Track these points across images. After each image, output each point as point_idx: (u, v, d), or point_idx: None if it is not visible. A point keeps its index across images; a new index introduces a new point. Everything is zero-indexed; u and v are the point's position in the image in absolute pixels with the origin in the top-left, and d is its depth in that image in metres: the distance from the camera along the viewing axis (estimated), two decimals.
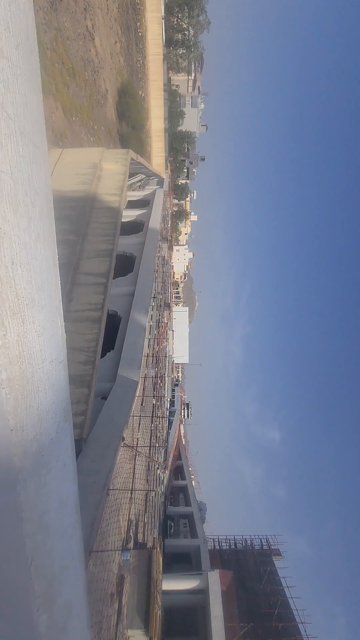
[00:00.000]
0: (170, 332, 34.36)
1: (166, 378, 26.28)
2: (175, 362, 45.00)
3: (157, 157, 36.74)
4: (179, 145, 55.54)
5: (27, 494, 0.57)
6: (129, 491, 10.92)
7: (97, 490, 4.47)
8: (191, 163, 62.83)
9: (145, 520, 14.01)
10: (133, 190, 24.13)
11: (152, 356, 16.90)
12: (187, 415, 48.16)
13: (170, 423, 30.92)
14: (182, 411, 43.58)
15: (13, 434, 0.54)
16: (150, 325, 14.46)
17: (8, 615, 0.62)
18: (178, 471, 32.44)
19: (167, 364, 28.23)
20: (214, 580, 15.70)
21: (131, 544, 10.56)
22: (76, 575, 0.77)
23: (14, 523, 0.57)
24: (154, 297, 15.76)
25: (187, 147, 59.75)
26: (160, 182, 26.33)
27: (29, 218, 0.54)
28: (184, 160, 60.31)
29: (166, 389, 26.96)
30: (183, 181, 62.57)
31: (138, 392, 11.02)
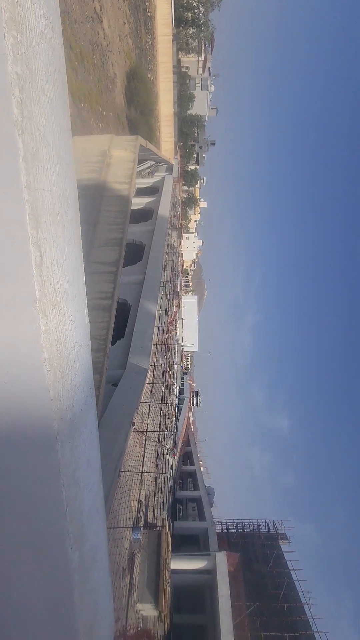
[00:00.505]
0: (179, 321, 34.57)
1: (175, 366, 26.59)
2: (184, 350, 45.36)
3: (166, 143, 36.21)
4: (188, 129, 54.44)
5: (63, 453, 0.70)
6: (139, 474, 11.30)
7: (108, 472, 4.70)
8: (201, 148, 61.64)
9: (155, 502, 14.49)
10: (142, 178, 23.98)
11: (162, 344, 17.13)
12: (196, 403, 48.79)
13: (179, 410, 31.43)
14: (191, 399, 44.14)
15: (52, 403, 0.67)
16: (159, 314, 14.63)
17: (47, 550, 0.77)
18: (187, 457, 33.09)
19: (176, 352, 28.51)
20: (222, 561, 16.23)
21: (142, 524, 10.99)
22: (99, 527, 0.91)
23: (53, 476, 0.71)
24: (163, 286, 15.87)
25: (197, 132, 58.50)
26: (170, 169, 26.04)
27: (63, 225, 0.65)
28: (194, 145, 59.17)
29: (175, 377, 27.33)
30: (192, 167, 61.56)
31: (148, 380, 11.27)
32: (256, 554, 19.05)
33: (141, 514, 12.32)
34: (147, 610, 10.11)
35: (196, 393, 50.66)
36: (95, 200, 9.87)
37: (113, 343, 10.38)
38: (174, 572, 14.56)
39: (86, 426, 0.79)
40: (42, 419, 0.67)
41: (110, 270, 8.44)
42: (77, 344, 0.72)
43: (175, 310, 26.05)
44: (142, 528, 10.96)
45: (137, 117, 24.28)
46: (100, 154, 11.06)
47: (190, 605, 17.67)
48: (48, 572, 0.78)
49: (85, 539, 0.81)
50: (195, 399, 48.23)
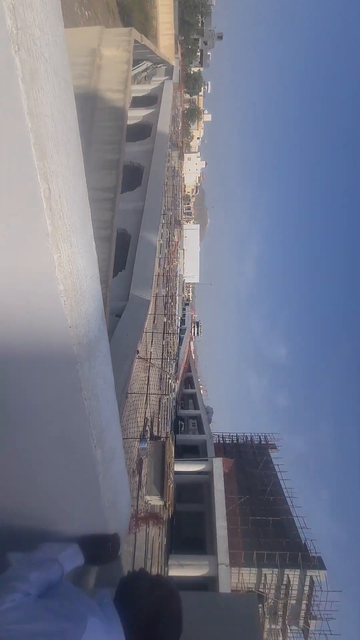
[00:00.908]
0: (180, 252, 33.77)
1: (177, 297, 26.88)
2: (185, 281, 45.32)
3: (165, 37, 30.66)
4: (191, 17, 45.48)
5: (83, 372, 0.80)
6: (145, 395, 12.34)
7: (117, 394, 5.17)
8: (206, 44, 52.30)
9: (159, 419, 16.10)
10: (138, 84, 20.94)
11: (163, 275, 17.07)
12: (197, 333, 50.63)
13: (180, 340, 32.73)
14: (192, 329, 45.65)
15: (71, 330, 0.73)
16: (160, 244, 14.23)
17: (76, 448, 0.93)
18: (188, 381, 35.53)
19: (177, 284, 28.51)
20: (218, 465, 18.72)
21: (148, 436, 12.38)
22: (116, 432, 1.07)
23: (76, 391, 0.82)
24: (164, 214, 15.13)
25: (202, 21, 49.02)
26: (170, 72, 22.57)
27: (67, 155, 0.63)
28: (197, 40, 50.10)
29: (177, 308, 27.87)
30: (196, 69, 53.09)
31: (150, 311, 11.53)
32: (248, 460, 21.82)
33: (147, 428, 13.80)
34: (154, 500, 11.96)
35: (197, 324, 52.18)
36: (87, 114, 8.82)
37: (114, 274, 10.35)
38: (177, 473, 16.94)
39: (100, 351, 0.88)
40: (62, 344, 0.75)
41: (107, 197, 7.96)
42: (87, 275, 0.76)
43: (176, 240, 25.27)
44: (148, 439, 12.42)
45: (130, 1, 20.17)
46: (89, 53, 9.51)
47: (191, 497, 20.96)
48: (79, 464, 0.95)
49: (105, 441, 0.97)
50: (196, 329, 49.88)
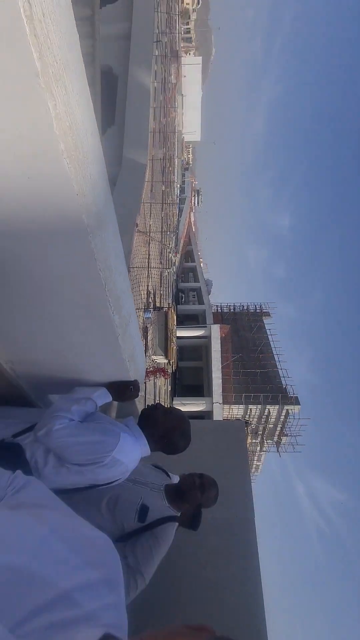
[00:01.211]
0: (179, 98, 28.06)
1: (175, 160, 23.91)
2: (185, 140, 39.33)
3: None
4: None
5: (95, 243, 0.80)
6: (146, 269, 12.56)
7: None
8: None
9: (161, 292, 16.87)
10: None
11: (159, 132, 14.73)
12: (198, 203, 47.29)
13: (180, 211, 30.92)
14: (192, 198, 42.42)
15: (78, 198, 0.70)
16: (154, 88, 11.71)
17: (96, 314, 1.02)
18: (188, 255, 35.44)
19: (176, 143, 24.89)
20: (215, 330, 20.73)
21: (151, 307, 13.26)
22: (129, 300, 1.16)
23: (91, 262, 0.84)
24: (157, 41, 11.88)
25: None
26: None
27: None
28: None
29: (176, 174, 25.16)
30: None
31: (147, 177, 10.47)
32: (243, 326, 23.98)
33: (150, 300, 14.63)
34: (160, 359, 13.78)
35: (198, 192, 48.07)
36: None
37: (103, 131, 8.92)
38: (179, 338, 18.95)
39: (110, 220, 0.86)
40: (71, 213, 0.73)
41: (83, 15, 6.10)
42: (88, 131, 0.67)
43: (174, 82, 20.65)
44: (152, 310, 13.37)
45: None
46: None
47: (191, 356, 24.09)
48: (101, 327, 1.07)
49: (122, 307, 1.06)
50: (196, 198, 46.32)
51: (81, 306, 0.98)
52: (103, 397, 1.39)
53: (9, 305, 1.01)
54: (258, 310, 25.10)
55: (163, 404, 1.55)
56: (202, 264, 36.97)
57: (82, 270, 0.85)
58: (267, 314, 24.49)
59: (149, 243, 13.09)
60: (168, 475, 1.81)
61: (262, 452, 22.30)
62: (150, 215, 13.08)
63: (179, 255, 26.46)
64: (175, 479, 1.82)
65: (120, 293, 1.01)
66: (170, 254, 19.75)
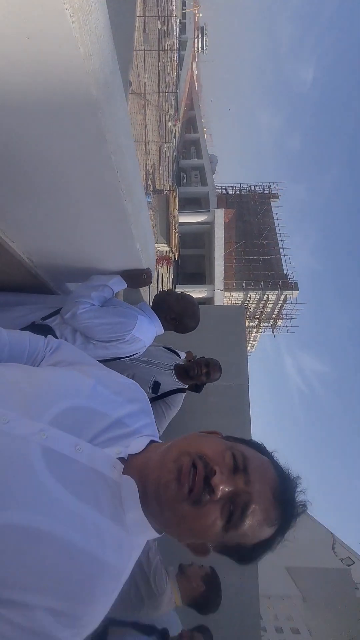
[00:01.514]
0: None
1: None
2: None
3: None
4: None
5: (105, 119, 0.74)
6: (143, 143, 11.10)
7: None
8: None
9: (161, 171, 15.29)
10: None
11: None
12: (202, 48, 37.70)
13: (180, 60, 25.10)
14: (196, 41, 33.68)
15: (85, 62, 0.61)
16: None
17: (109, 202, 1.01)
18: (190, 123, 30.63)
19: None
20: (219, 215, 19.68)
21: (151, 190, 12.29)
22: (140, 187, 1.12)
23: (101, 143, 0.79)
24: None
25: None
26: None
27: None
28: None
29: (174, 3, 19.30)
30: None
31: (138, 11, 8.18)
32: (249, 209, 22.61)
33: (149, 182, 13.41)
34: (162, 247, 13.59)
35: (202, 30, 37.65)
36: None
37: None
38: (181, 224, 18.17)
39: (118, 90, 0.77)
40: (78, 82, 0.65)
41: None
42: None
43: None
44: (151, 193, 12.41)
45: None
46: None
47: (193, 243, 23.59)
48: (114, 216, 1.07)
49: (133, 194, 1.04)
50: (201, 40, 36.67)
51: (94, 194, 0.96)
52: (118, 284, 1.49)
53: (23, 195, 0.99)
54: (266, 192, 23.23)
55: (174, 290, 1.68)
56: (206, 136, 32.21)
57: (92, 155, 0.81)
58: (276, 196, 22.78)
59: (145, 108, 11.17)
60: (177, 355, 2.10)
61: (257, 334, 24.30)
62: (144, 70, 10.73)
63: (179, 124, 22.85)
64: (182, 355, 2.12)
65: (132, 179, 0.98)
66: (170, 122, 17.02)
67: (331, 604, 7.12)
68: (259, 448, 0.61)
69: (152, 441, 0.63)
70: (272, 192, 23.17)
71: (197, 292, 19.97)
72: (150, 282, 1.56)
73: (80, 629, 0.46)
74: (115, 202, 1.00)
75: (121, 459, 0.57)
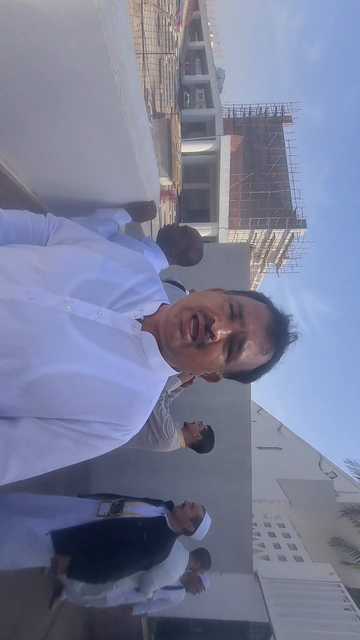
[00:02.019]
0: None
1: None
2: None
3: None
4: None
5: (107, 33, 0.70)
6: (140, 55, 9.78)
7: None
8: None
9: (161, 90, 13.67)
10: None
11: None
12: None
13: None
14: None
15: None
16: None
17: (112, 127, 0.98)
18: (194, 28, 26.37)
19: None
20: (225, 144, 18.07)
21: (151, 113, 11.13)
22: (143, 110, 1.08)
23: (104, 61, 0.76)
24: None
25: None
26: None
27: None
28: None
29: None
30: None
31: None
32: (258, 136, 20.63)
33: (149, 104, 12.08)
34: (164, 181, 12.78)
35: None
36: None
37: None
38: (184, 154, 16.77)
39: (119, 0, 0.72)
40: None
41: None
42: None
43: None
44: (151, 117, 11.26)
45: None
46: None
47: (197, 177, 22.07)
48: (118, 144, 1.05)
49: (137, 118, 1.01)
50: None
51: (97, 120, 0.94)
52: (123, 217, 1.50)
53: (25, 124, 0.97)
54: (279, 114, 20.93)
55: (178, 225, 1.69)
56: (212, 44, 27.90)
57: (94, 73, 0.78)
58: (289, 120, 20.61)
59: (142, 9, 9.58)
60: (182, 288, 2.17)
61: (262, 274, 24.02)
62: None
63: (182, 29, 19.68)
64: (187, 292, 2.19)
65: (136, 101, 0.94)
66: (172, 27, 14.66)
67: (314, 507, 8.32)
68: (257, 296, 0.71)
69: (162, 304, 0.72)
70: (285, 114, 20.90)
71: (201, 231, 19.05)
72: (155, 216, 1.56)
73: (126, 432, 0.66)
74: (119, 127, 0.99)
75: (138, 320, 0.67)
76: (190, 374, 2.22)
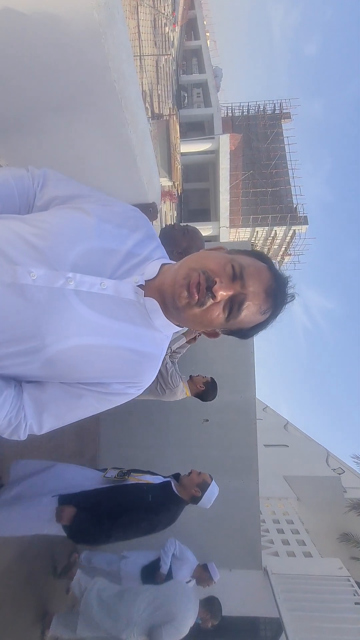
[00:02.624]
0: None
1: None
2: None
3: None
4: None
5: (108, 45, 0.73)
6: (137, 57, 9.84)
7: None
8: None
9: (159, 91, 13.71)
10: None
11: None
12: None
13: None
14: None
15: None
16: None
17: (114, 134, 1.01)
18: (190, 27, 26.39)
19: None
20: (224, 143, 18.06)
21: (149, 114, 11.18)
22: (144, 116, 1.11)
23: (105, 71, 0.80)
24: None
25: None
26: None
27: None
28: None
29: None
30: None
31: None
32: (257, 133, 20.61)
33: (147, 105, 12.12)
34: (164, 182, 12.82)
35: None
36: None
37: None
38: (183, 154, 16.80)
39: (117, 9, 0.76)
40: (80, 6, 0.66)
41: None
42: None
43: None
44: (150, 118, 11.30)
45: None
46: None
47: (197, 176, 22.10)
48: (118, 148, 1.09)
49: (137, 124, 1.04)
50: None
51: (99, 125, 0.98)
52: None
53: (29, 129, 1.01)
54: (277, 111, 20.89)
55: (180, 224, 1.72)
56: (209, 42, 27.87)
57: (96, 82, 0.82)
58: (288, 116, 20.57)
59: (138, 10, 9.63)
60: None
61: None
62: None
63: (178, 29, 19.71)
64: None
65: (136, 107, 0.98)
66: (167, 27, 14.70)
67: (322, 503, 8.32)
68: (259, 256, 0.73)
69: (163, 264, 0.73)
70: (284, 111, 20.86)
71: (202, 230, 19.09)
72: (156, 217, 1.59)
73: (140, 388, 0.74)
74: (120, 133, 1.02)
75: (140, 286, 0.69)
76: (194, 331, 2.31)
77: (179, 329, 0.75)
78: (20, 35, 0.72)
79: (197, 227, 1.76)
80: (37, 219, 0.67)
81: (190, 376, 2.44)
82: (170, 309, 0.69)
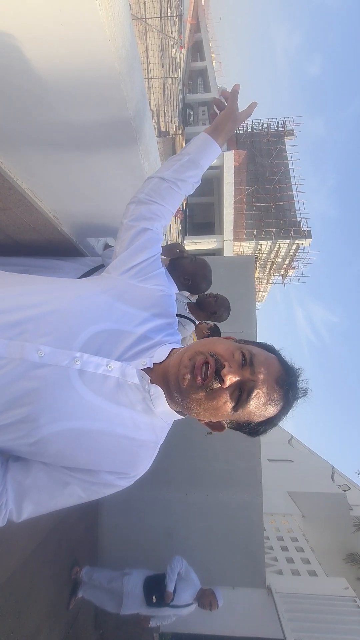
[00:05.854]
0: None
1: None
2: None
3: None
4: None
5: (126, 90, 0.82)
6: (146, 80, 10.22)
7: None
8: None
9: (166, 110, 14.16)
10: None
11: None
12: None
13: None
14: None
15: (110, 43, 0.70)
16: None
17: (128, 165, 1.12)
18: (196, 49, 27.38)
19: None
20: (229, 158, 18.49)
21: (156, 133, 11.52)
22: (154, 144, 1.21)
23: (122, 110, 0.87)
24: None
25: None
26: None
27: None
28: None
29: None
30: None
31: None
32: (261, 150, 21.08)
33: (154, 123, 12.52)
34: None
35: None
36: None
37: None
38: None
39: (135, 60, 0.85)
40: (103, 60, 0.74)
41: None
42: None
43: None
44: (157, 136, 11.66)
45: None
46: None
47: (202, 191, 22.53)
48: (131, 175, 1.16)
49: (150, 154, 1.13)
50: None
51: (115, 156, 1.07)
52: None
53: (52, 160, 1.10)
54: (280, 129, 21.40)
55: (186, 251, 1.82)
56: (214, 63, 28.84)
57: (114, 121, 0.91)
58: (291, 133, 21.03)
59: (147, 35, 10.07)
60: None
61: (268, 284, 24.08)
62: None
63: (184, 51, 20.47)
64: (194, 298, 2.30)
65: (149, 140, 1.07)
66: (174, 50, 15.30)
67: (327, 520, 8.13)
68: (268, 348, 0.71)
69: (173, 349, 0.71)
70: (287, 128, 21.35)
71: (206, 243, 19.55)
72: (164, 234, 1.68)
73: (131, 479, 0.69)
74: (134, 163, 1.11)
75: (147, 369, 0.66)
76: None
77: (180, 417, 0.71)
78: (53, 83, 0.81)
79: (202, 240, 1.83)
80: (55, 286, 0.71)
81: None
82: (174, 393, 0.66)
